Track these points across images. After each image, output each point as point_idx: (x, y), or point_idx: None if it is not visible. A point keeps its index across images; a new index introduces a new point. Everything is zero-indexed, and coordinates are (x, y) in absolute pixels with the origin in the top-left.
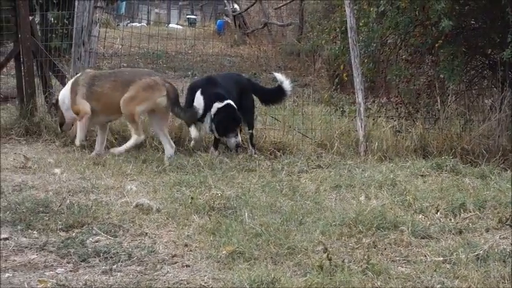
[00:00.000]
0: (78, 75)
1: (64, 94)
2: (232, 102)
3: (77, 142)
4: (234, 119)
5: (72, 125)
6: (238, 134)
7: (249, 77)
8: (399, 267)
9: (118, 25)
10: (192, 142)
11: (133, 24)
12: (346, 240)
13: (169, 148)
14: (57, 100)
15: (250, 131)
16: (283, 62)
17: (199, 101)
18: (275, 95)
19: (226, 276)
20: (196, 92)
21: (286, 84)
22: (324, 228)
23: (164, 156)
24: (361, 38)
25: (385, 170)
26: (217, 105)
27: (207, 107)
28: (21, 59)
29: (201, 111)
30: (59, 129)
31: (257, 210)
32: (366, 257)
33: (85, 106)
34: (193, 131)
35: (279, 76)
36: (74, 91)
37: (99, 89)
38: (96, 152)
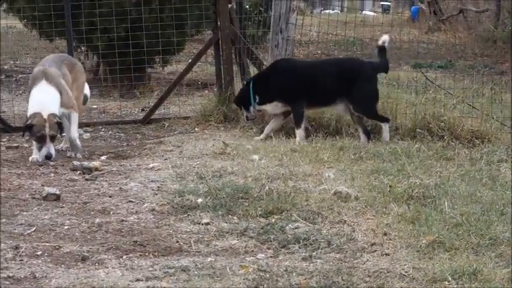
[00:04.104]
0: (46, 72)
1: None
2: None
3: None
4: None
5: None
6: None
7: (367, 60)
8: None
9: (311, 12)
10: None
11: (326, 11)
12: None
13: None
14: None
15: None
16: (479, 49)
17: None
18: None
19: (427, 265)
20: None
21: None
22: None
23: None
24: None
25: None
26: None
27: None
28: (220, 47)
29: None
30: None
31: (457, 200)
32: None
33: None
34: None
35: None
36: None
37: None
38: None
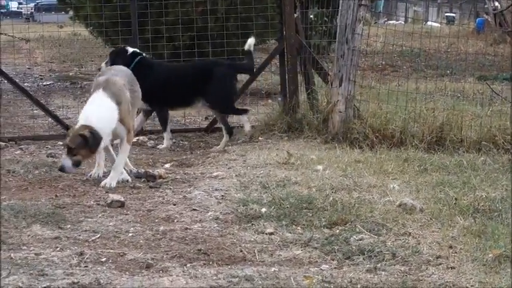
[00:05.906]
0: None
1: None
2: None
3: None
4: None
5: None
6: None
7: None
8: None
9: (376, 23)
10: None
11: (390, 22)
12: None
13: None
14: None
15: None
16: None
17: None
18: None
19: (493, 280)
20: None
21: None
22: None
23: None
24: None
25: None
26: None
27: None
28: (285, 56)
29: None
30: None
31: None
32: None
33: None
34: None
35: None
36: None
37: None
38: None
